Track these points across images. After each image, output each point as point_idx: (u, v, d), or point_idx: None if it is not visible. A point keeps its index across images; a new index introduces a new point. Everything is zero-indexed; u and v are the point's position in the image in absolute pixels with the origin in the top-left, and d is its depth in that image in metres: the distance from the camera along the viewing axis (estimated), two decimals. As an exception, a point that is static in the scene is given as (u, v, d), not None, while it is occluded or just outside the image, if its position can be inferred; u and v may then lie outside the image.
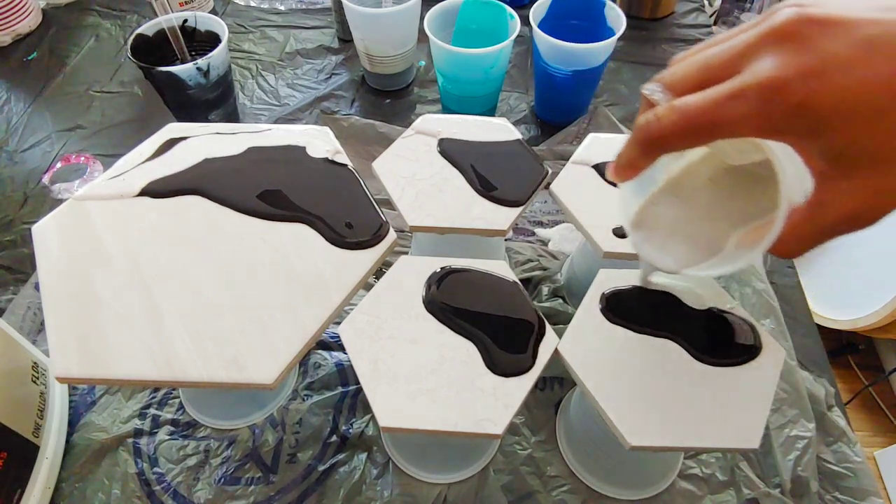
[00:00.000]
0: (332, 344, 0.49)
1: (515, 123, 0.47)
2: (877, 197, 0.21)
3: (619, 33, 0.58)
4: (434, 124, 0.45)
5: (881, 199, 0.21)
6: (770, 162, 0.23)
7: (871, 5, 0.20)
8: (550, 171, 0.42)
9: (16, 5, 0.77)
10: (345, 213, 0.36)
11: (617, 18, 0.60)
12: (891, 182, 0.20)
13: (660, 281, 0.36)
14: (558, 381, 0.47)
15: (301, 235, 0.35)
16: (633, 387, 0.32)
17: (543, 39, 0.59)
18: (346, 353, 0.37)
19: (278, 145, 0.40)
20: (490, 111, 0.68)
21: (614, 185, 0.42)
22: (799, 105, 0.19)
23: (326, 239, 0.35)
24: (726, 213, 0.28)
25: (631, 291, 0.36)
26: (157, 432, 0.44)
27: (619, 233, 0.39)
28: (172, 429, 0.44)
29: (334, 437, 0.44)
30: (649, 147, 0.23)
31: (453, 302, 0.35)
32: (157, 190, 0.37)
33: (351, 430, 0.44)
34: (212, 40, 0.60)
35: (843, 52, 0.19)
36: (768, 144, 0.23)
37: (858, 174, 0.21)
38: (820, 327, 0.57)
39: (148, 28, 0.59)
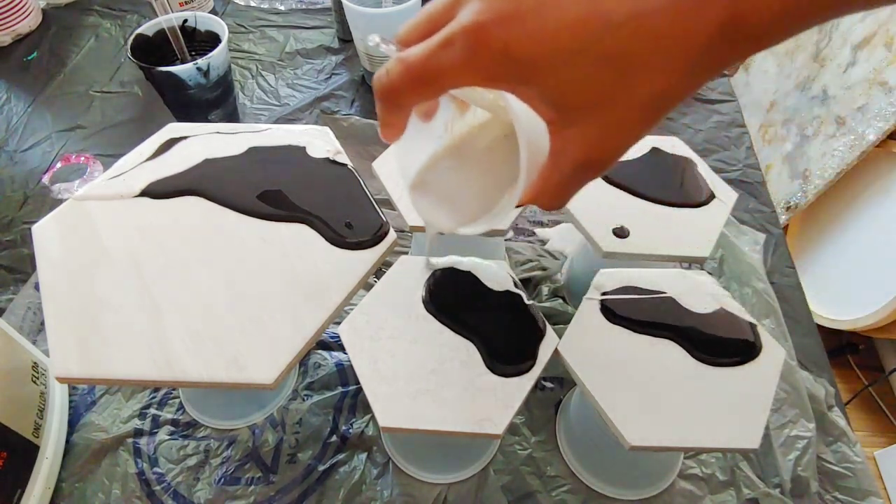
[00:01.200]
0: (332, 344, 0.49)
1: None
2: (601, 141, 0.21)
3: None
4: (434, 124, 0.45)
5: (605, 143, 0.21)
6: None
7: None
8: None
9: (16, 5, 0.77)
10: (345, 213, 0.36)
11: None
12: (609, 126, 0.20)
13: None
14: (558, 381, 0.47)
15: (301, 235, 0.35)
16: (633, 387, 0.32)
17: None
18: (346, 353, 0.37)
19: (278, 145, 0.40)
20: (490, 111, 0.68)
21: (615, 185, 0.42)
22: (502, 51, 0.19)
23: (326, 239, 0.35)
24: (501, 175, 0.28)
25: (631, 291, 0.36)
26: (157, 432, 0.44)
27: (620, 233, 0.39)
28: (172, 429, 0.44)
29: (334, 437, 0.44)
30: (389, 103, 0.23)
31: (453, 302, 0.35)
32: (158, 190, 0.37)
33: (351, 430, 0.44)
34: (212, 40, 0.60)
35: None
36: (504, 95, 0.22)
37: (580, 119, 0.20)
38: (820, 327, 0.57)
39: (148, 28, 0.59)
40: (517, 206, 0.25)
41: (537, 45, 0.19)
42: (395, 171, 0.41)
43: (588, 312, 0.35)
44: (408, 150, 0.29)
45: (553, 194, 0.23)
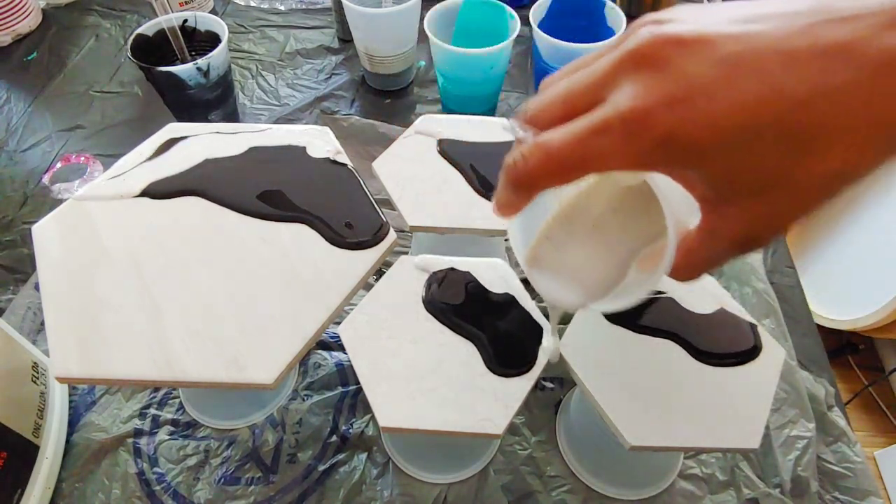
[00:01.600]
0: (332, 344, 0.49)
1: (515, 123, 0.47)
2: (766, 220, 0.20)
3: (619, 33, 0.58)
4: (434, 124, 0.45)
5: (771, 222, 0.20)
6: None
7: (731, 16, 0.18)
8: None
9: (16, 5, 0.77)
10: (345, 213, 0.36)
11: (617, 18, 0.60)
12: (778, 205, 0.19)
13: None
14: (558, 381, 0.47)
15: (301, 235, 0.35)
16: (634, 387, 0.32)
17: (543, 39, 0.59)
18: (346, 353, 0.37)
19: (278, 145, 0.40)
20: (490, 111, 0.68)
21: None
22: (666, 136, 0.18)
23: (326, 239, 0.35)
24: (625, 237, 0.26)
25: (631, 291, 0.36)
26: (157, 432, 0.44)
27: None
28: (172, 429, 0.44)
29: (334, 437, 0.44)
30: (520, 188, 0.22)
31: (453, 302, 0.35)
32: (158, 191, 0.37)
33: (351, 430, 0.44)
34: (212, 40, 0.60)
35: (706, 75, 0.17)
36: (648, 175, 0.21)
37: (743, 199, 0.19)
38: (820, 327, 0.57)
39: (148, 28, 0.59)
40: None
41: (708, 129, 0.18)
42: (395, 170, 0.41)
43: (588, 312, 0.35)
44: (523, 225, 0.28)
45: (695, 270, 0.22)
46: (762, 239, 0.20)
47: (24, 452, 0.39)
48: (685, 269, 0.22)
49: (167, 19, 0.58)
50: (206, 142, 0.41)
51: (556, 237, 0.27)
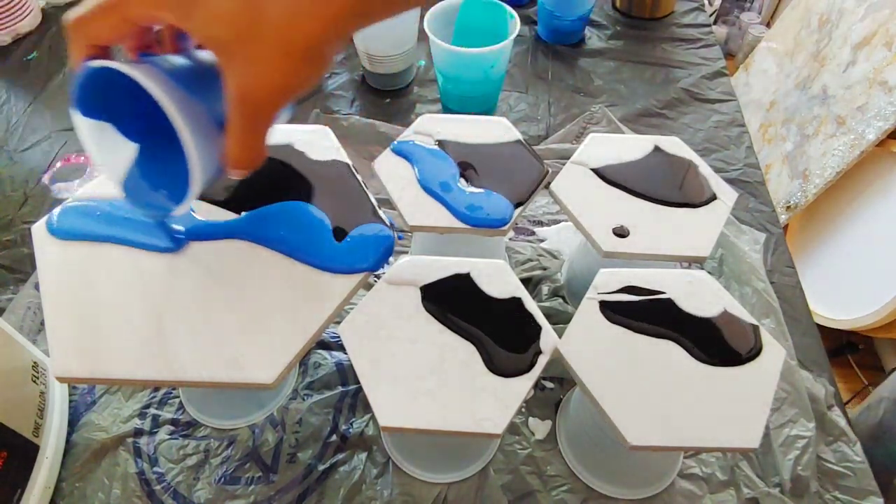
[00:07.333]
0: (332, 344, 0.49)
1: (515, 123, 0.47)
2: (248, 76, 0.23)
3: None
4: (434, 124, 0.45)
5: (258, 80, 0.23)
6: None
7: None
8: (550, 171, 0.42)
9: (16, 5, 0.77)
10: (345, 213, 0.36)
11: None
12: (250, 58, 0.22)
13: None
14: (558, 381, 0.47)
15: (301, 235, 0.35)
16: (633, 387, 0.32)
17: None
18: (346, 353, 0.37)
19: (278, 145, 0.40)
20: (490, 111, 0.68)
21: (615, 185, 0.42)
22: None
23: (326, 239, 0.35)
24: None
25: (631, 292, 0.36)
26: (157, 432, 0.44)
27: (620, 232, 0.39)
28: (172, 428, 0.44)
29: (334, 437, 0.44)
30: (76, 34, 0.25)
31: (453, 302, 0.35)
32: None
33: (351, 430, 0.44)
34: (212, 40, 0.60)
35: None
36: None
37: (233, 56, 0.22)
38: (820, 327, 0.57)
39: (148, 28, 0.59)
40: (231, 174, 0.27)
41: None
42: (395, 170, 0.41)
43: (588, 312, 0.35)
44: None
45: (236, 145, 0.25)
46: (256, 97, 0.23)
47: (24, 452, 0.39)
48: (230, 148, 0.25)
49: (167, 19, 0.58)
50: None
51: None
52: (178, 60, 0.27)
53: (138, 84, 0.24)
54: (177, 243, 0.34)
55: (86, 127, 0.28)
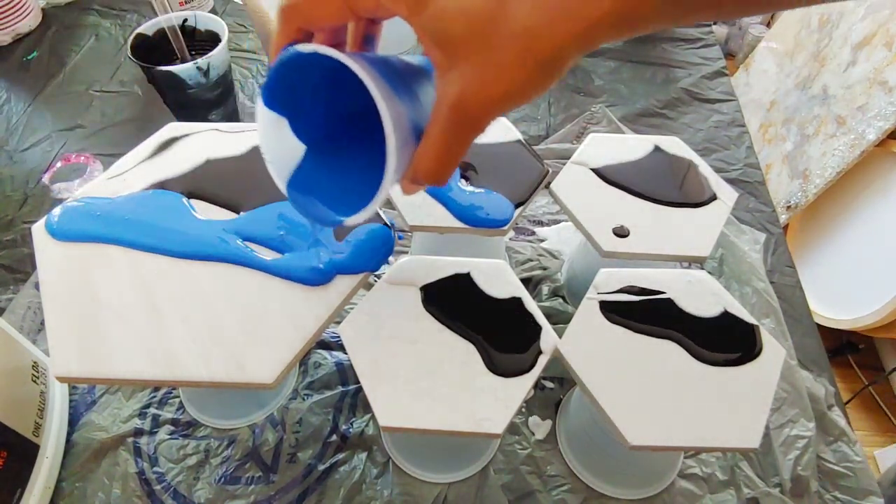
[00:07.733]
0: (332, 344, 0.49)
1: (515, 123, 0.47)
2: (477, 84, 0.20)
3: None
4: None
5: (480, 88, 0.20)
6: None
7: None
8: (550, 171, 0.42)
9: (16, 5, 0.77)
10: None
11: None
12: (484, 62, 0.20)
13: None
14: (558, 381, 0.47)
15: (301, 235, 0.35)
16: (633, 387, 0.32)
17: None
18: (346, 353, 0.37)
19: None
20: (490, 111, 0.67)
21: (615, 185, 0.42)
22: None
23: (326, 239, 0.35)
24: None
25: (631, 292, 0.36)
26: (157, 432, 0.44)
27: (620, 232, 0.39)
28: (172, 428, 0.44)
29: (334, 437, 0.44)
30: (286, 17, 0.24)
31: (453, 302, 0.35)
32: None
33: (351, 430, 0.44)
34: (212, 40, 0.60)
35: None
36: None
37: (462, 58, 0.20)
38: (820, 327, 0.57)
39: (148, 27, 0.59)
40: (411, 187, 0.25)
41: None
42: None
43: (588, 312, 0.35)
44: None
45: (433, 156, 0.22)
46: (477, 106, 0.21)
47: (24, 452, 0.39)
48: (421, 158, 0.23)
49: (167, 19, 0.58)
50: (206, 141, 0.41)
51: None
52: (379, 57, 0.24)
53: (328, 80, 0.22)
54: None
55: (265, 118, 0.26)
